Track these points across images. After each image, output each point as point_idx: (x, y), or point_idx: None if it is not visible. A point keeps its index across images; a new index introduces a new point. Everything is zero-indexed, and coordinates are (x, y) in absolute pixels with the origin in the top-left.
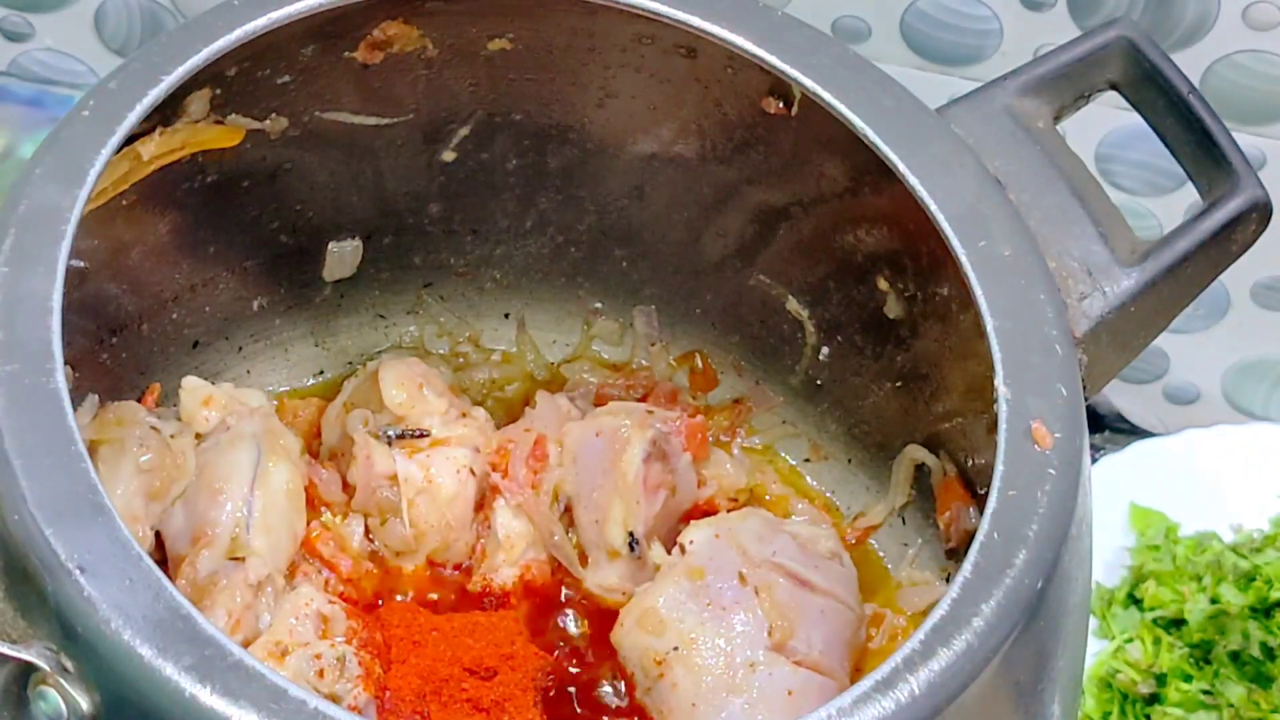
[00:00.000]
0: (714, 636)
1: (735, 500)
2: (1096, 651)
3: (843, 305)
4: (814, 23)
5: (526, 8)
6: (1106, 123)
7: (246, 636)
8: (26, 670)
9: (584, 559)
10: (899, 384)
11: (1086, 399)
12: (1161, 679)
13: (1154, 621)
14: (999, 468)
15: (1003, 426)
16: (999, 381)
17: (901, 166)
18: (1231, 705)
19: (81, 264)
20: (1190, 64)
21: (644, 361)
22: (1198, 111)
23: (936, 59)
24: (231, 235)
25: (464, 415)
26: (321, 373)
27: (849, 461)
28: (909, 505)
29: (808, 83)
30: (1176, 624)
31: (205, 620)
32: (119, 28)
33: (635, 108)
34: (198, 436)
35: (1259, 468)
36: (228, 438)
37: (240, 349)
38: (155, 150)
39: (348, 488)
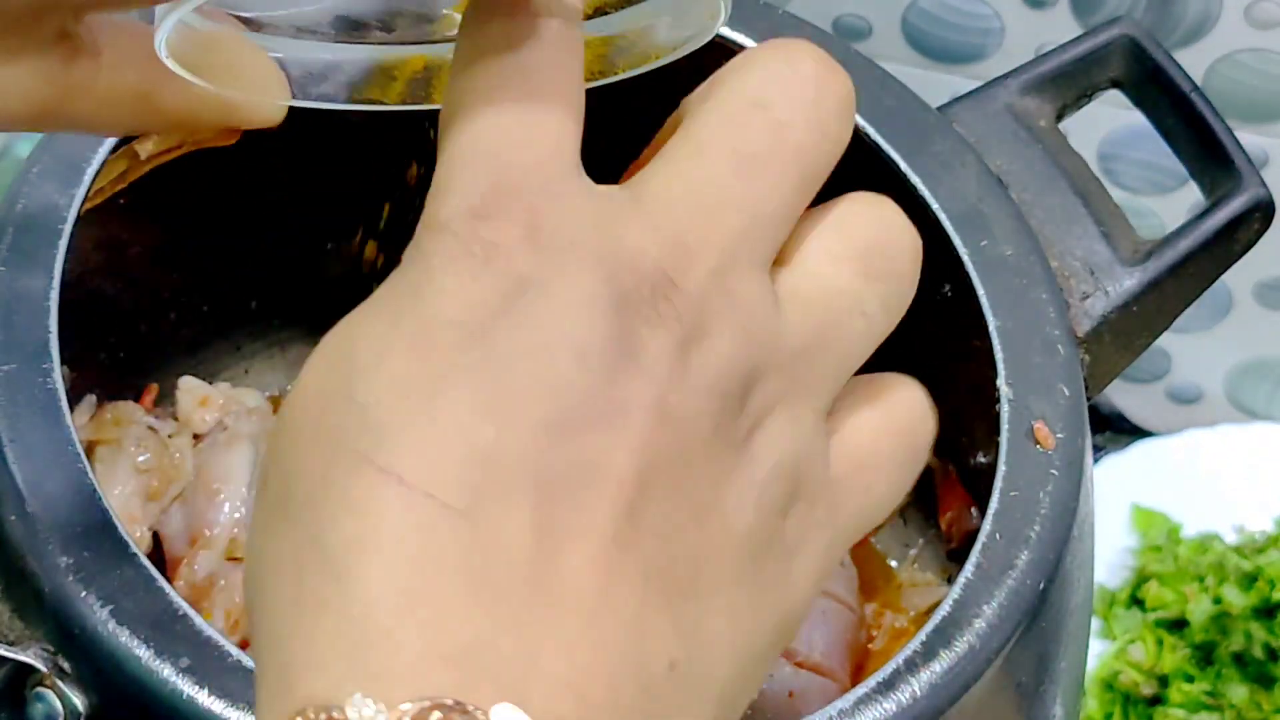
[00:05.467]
0: None
1: None
2: (1099, 653)
3: None
4: (815, 21)
5: None
6: (1109, 121)
7: (245, 638)
8: (24, 672)
9: None
10: None
11: (1089, 399)
12: (1164, 680)
13: (1156, 623)
14: (1001, 468)
15: (1004, 427)
16: (1001, 381)
17: (903, 165)
18: (1234, 706)
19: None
20: (1193, 62)
21: None
22: (1200, 110)
23: (938, 57)
24: (229, 234)
25: None
26: None
27: None
28: (910, 505)
29: None
30: (1179, 625)
31: (204, 621)
32: None
33: (635, 106)
34: (196, 437)
35: (1262, 468)
36: (225, 438)
37: (238, 348)
38: (152, 149)
39: None
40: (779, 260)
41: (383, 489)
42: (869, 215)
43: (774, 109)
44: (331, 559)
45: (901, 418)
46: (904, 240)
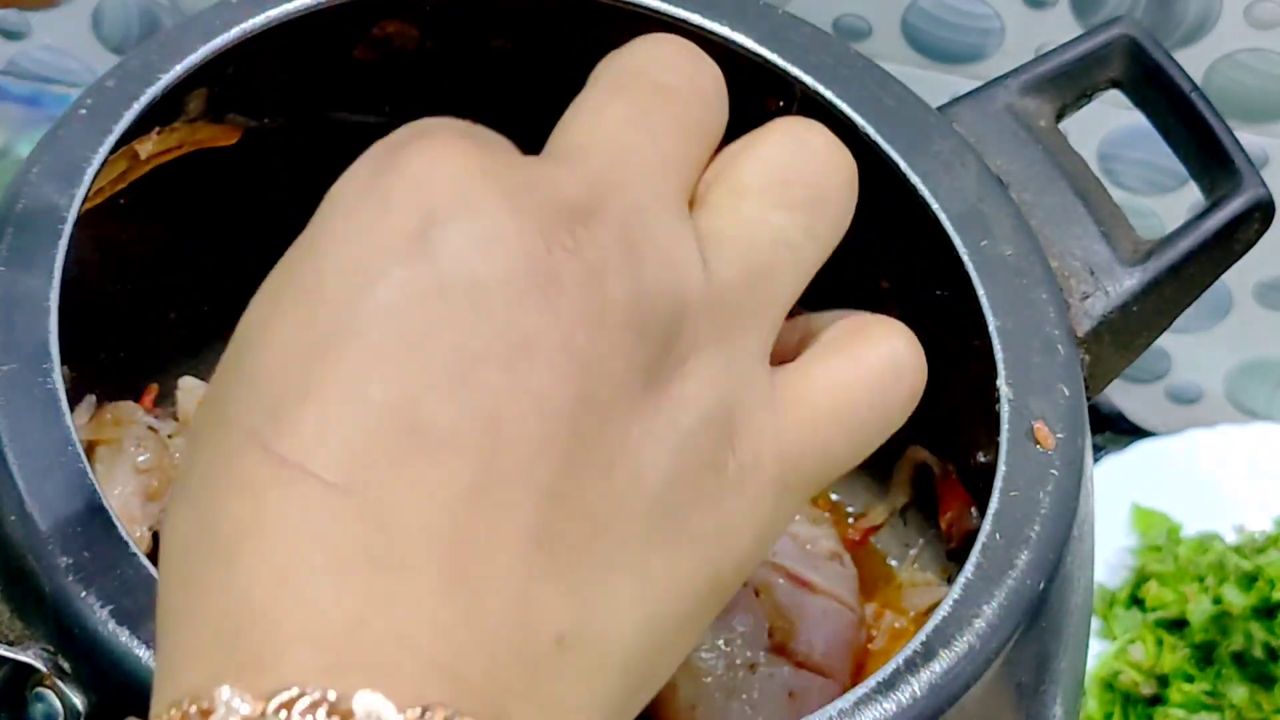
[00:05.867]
0: (713, 638)
1: None
2: (1099, 653)
3: (843, 304)
4: (815, 21)
5: (527, 8)
6: (1109, 121)
7: None
8: (24, 672)
9: None
10: None
11: (1089, 399)
12: (1164, 680)
13: (1156, 623)
14: (1001, 468)
15: (1004, 426)
16: (1001, 381)
17: (903, 165)
18: (1234, 706)
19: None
20: (1193, 62)
21: None
22: (1200, 110)
23: (938, 57)
24: (229, 234)
25: None
26: None
27: None
28: (910, 506)
29: (809, 81)
30: (1179, 625)
31: None
32: (116, 26)
33: None
34: None
35: (1262, 468)
36: None
37: None
38: (153, 149)
39: None
40: (696, 202)
41: (267, 468)
42: (787, 144)
43: (655, 74)
44: (220, 541)
45: (872, 369)
46: (830, 165)
